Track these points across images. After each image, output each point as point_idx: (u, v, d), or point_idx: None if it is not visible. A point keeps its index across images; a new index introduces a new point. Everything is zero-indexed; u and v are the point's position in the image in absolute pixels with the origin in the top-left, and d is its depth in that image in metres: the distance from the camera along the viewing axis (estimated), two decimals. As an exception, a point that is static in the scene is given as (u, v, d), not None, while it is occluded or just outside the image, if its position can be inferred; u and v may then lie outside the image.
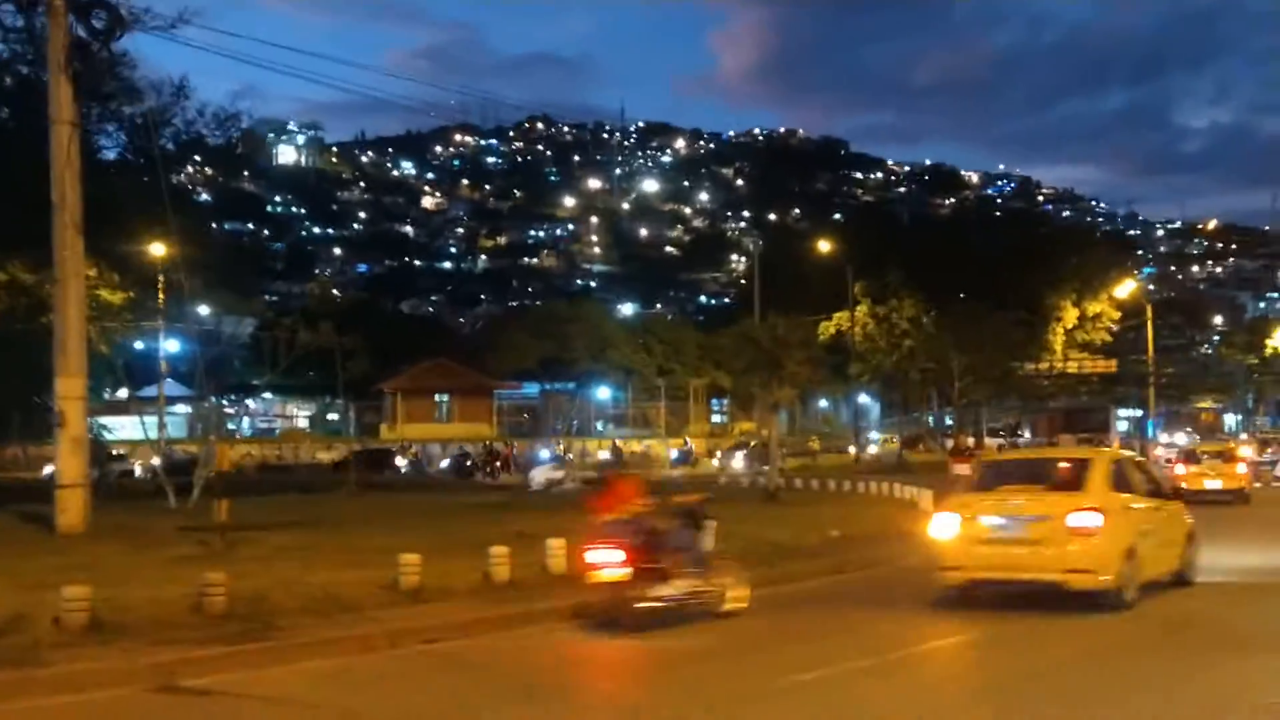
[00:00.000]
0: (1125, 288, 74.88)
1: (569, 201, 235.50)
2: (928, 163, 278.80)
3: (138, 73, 26.70)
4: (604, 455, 53.25)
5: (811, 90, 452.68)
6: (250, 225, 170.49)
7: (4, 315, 27.91)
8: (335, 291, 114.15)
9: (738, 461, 54.58)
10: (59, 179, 19.55)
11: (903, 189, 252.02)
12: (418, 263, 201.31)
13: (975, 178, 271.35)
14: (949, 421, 75.62)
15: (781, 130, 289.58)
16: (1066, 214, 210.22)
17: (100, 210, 21.84)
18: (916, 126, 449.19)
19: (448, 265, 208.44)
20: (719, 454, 61.28)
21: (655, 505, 12.75)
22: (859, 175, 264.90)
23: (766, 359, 34.09)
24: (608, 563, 11.90)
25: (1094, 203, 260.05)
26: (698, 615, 12.52)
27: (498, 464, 54.02)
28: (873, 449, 70.80)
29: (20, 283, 27.16)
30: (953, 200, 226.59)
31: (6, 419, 41.20)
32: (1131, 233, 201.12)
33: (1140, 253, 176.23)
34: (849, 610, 13.75)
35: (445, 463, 58.29)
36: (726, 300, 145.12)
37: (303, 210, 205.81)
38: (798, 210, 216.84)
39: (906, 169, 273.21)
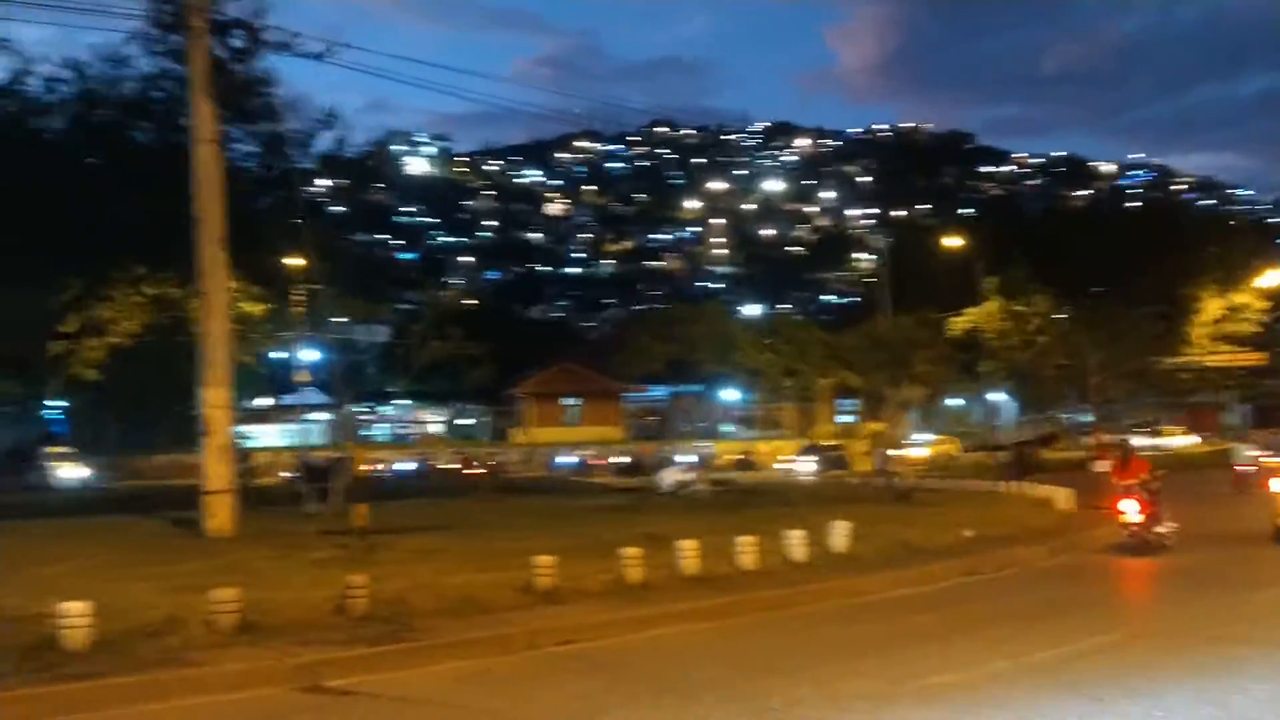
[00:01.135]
0: (1272, 277, 72.12)
1: (693, 204, 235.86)
2: (1058, 154, 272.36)
3: (275, 89, 27.51)
4: (682, 459, 51.40)
5: (935, 84, 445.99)
6: (382, 235, 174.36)
7: (152, 328, 28.99)
8: (465, 298, 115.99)
9: (805, 465, 52.24)
10: (201, 195, 20.25)
11: (1032, 182, 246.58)
12: (545, 269, 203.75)
13: (1108, 168, 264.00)
14: (1087, 418, 73.73)
15: (906, 125, 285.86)
16: (1206, 203, 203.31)
17: (240, 224, 22.55)
18: (1045, 117, 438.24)
19: (574, 270, 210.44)
20: (784, 458, 58.31)
21: (1149, 477, 19.91)
22: (986, 169, 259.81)
23: (895, 358, 33.66)
24: (1130, 510, 19.34)
25: (1235, 190, 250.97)
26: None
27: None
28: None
29: (167, 297, 28.17)
30: (1085, 192, 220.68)
31: (156, 428, 42.90)
32: (1277, 220, 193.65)
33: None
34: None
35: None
36: (853, 299, 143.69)
37: (432, 220, 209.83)
38: (924, 206, 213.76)
39: (1035, 161, 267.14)
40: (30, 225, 27.50)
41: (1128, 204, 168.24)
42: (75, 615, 10.52)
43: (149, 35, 21.05)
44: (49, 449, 48.94)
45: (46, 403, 50.30)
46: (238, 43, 19.84)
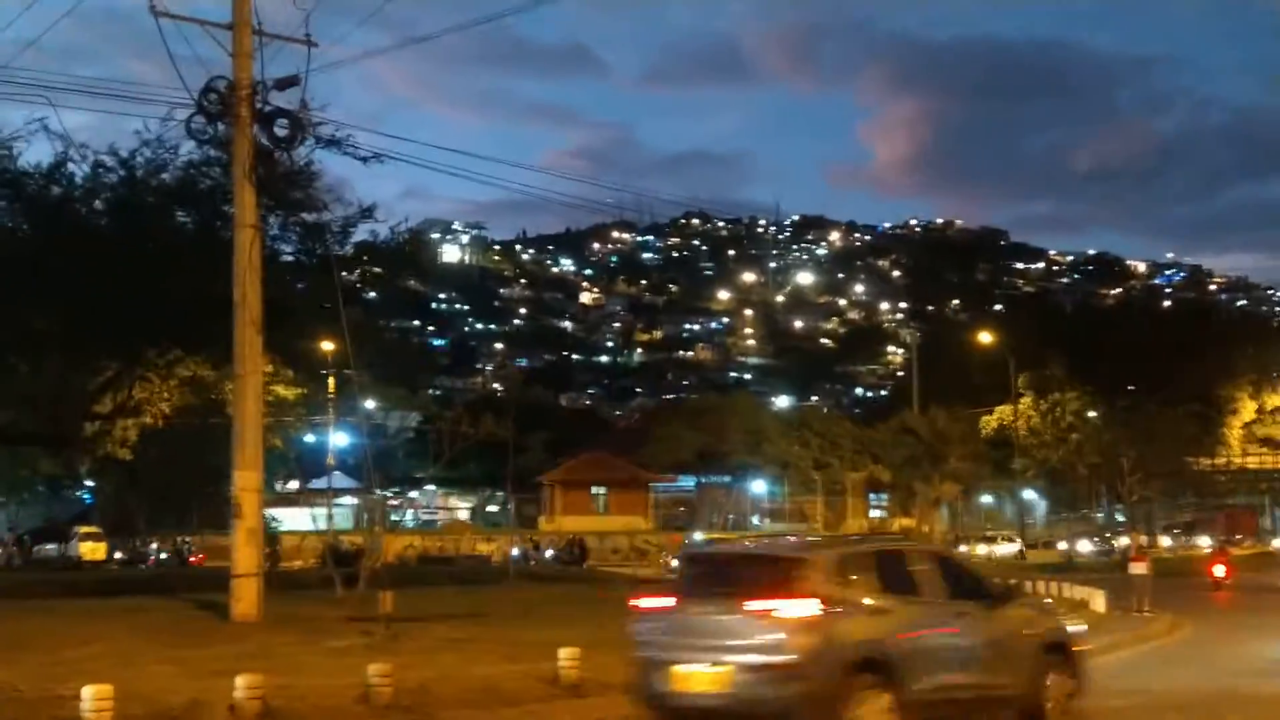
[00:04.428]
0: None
1: (724, 295, 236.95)
2: (1091, 252, 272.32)
3: (316, 177, 27.96)
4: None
5: (968, 180, 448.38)
6: (416, 322, 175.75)
7: (185, 410, 29.19)
8: (496, 386, 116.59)
9: None
10: (241, 280, 20.49)
11: (1065, 279, 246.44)
12: (576, 357, 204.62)
13: (1142, 267, 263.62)
14: (1119, 518, 72.83)
15: (938, 221, 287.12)
16: (1241, 303, 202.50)
17: (276, 309, 22.76)
18: (1078, 215, 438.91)
19: (605, 359, 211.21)
20: None
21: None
22: (1020, 265, 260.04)
23: (927, 453, 33.56)
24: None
25: (1270, 291, 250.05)
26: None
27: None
28: (1061, 545, 67.39)
29: (201, 379, 28.40)
30: (1118, 290, 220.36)
31: (187, 509, 43.09)
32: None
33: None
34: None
35: (549, 553, 57.75)
36: (883, 393, 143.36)
37: (466, 306, 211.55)
38: (956, 301, 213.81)
39: (1069, 258, 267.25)
40: (71, 306, 27.88)
41: (1162, 302, 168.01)
42: (97, 699, 10.47)
43: (193, 123, 21.47)
44: (80, 528, 49.31)
45: (84, 482, 50.68)
46: (282, 132, 20.14)
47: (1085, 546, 61.80)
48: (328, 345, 34.55)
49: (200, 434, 28.94)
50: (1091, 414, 67.65)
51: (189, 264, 25.74)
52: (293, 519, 53.41)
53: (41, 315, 26.87)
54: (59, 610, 21.61)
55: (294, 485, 50.79)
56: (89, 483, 52.13)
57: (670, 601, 10.73)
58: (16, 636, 16.59)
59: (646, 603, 10.92)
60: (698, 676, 9.93)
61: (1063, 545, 63.23)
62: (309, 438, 46.84)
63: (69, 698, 10.75)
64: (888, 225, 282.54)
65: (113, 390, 29.25)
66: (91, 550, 47.31)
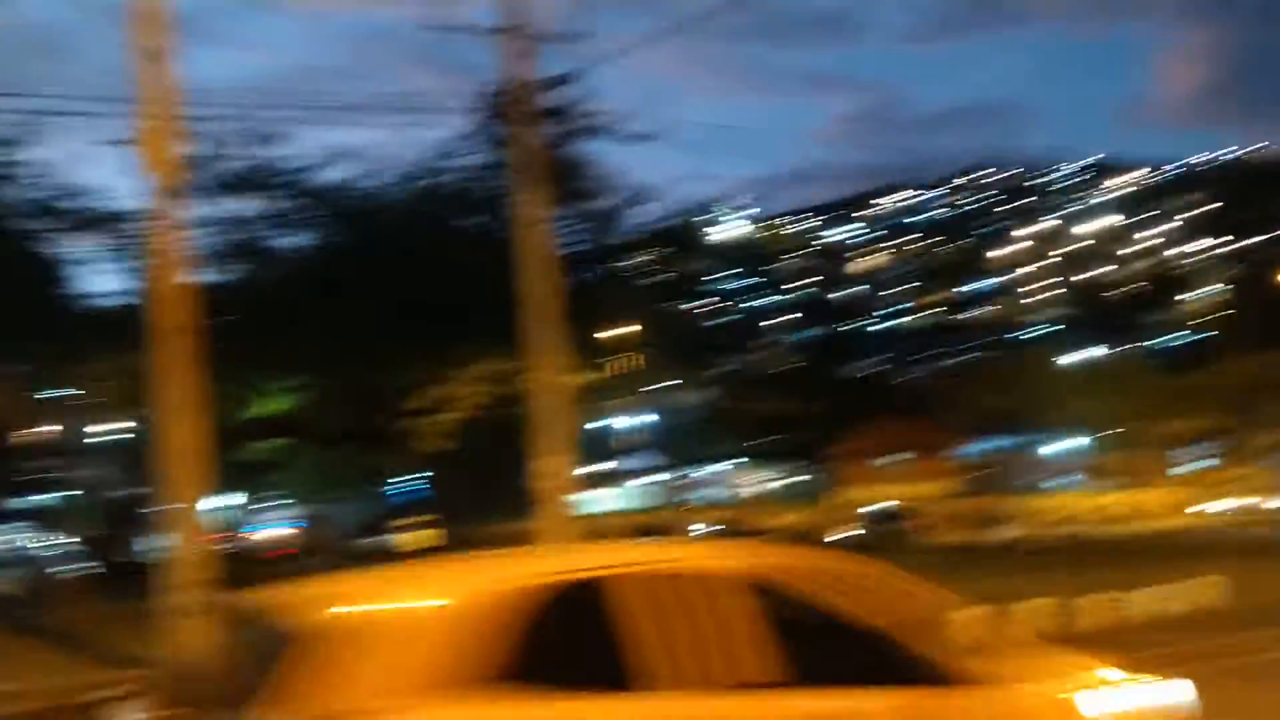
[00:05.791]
0: None
1: (1010, 249, 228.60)
2: None
3: (593, 169, 28.69)
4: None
5: (1270, 104, 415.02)
6: (697, 301, 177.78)
7: (489, 403, 30.57)
8: (780, 359, 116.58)
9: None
10: (530, 276, 21.24)
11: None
12: (858, 324, 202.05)
13: None
14: None
15: (1238, 152, 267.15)
16: None
17: (565, 299, 23.48)
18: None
19: (890, 324, 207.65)
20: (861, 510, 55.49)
21: None
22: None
23: (1248, 399, 31.34)
24: None
25: None
26: None
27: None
28: None
29: (502, 372, 29.65)
30: None
31: (493, 500, 45.05)
32: None
33: None
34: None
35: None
36: (1194, 338, 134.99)
37: (746, 281, 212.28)
38: (1271, 234, 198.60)
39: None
40: (376, 312, 29.62)
41: None
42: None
43: (473, 130, 22.45)
44: (394, 521, 53.16)
45: (400, 476, 53.97)
46: (559, 129, 20.77)
47: None
48: (616, 330, 35.41)
49: (507, 424, 30.25)
50: None
51: (479, 263, 26.87)
52: (598, 501, 55.17)
53: (360, 320, 28.69)
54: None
55: (595, 468, 52.47)
56: (411, 476, 55.42)
57: None
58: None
59: None
60: None
61: None
62: (606, 421, 48.18)
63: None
64: (1186, 161, 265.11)
65: (422, 388, 30.93)
66: (415, 540, 50.60)
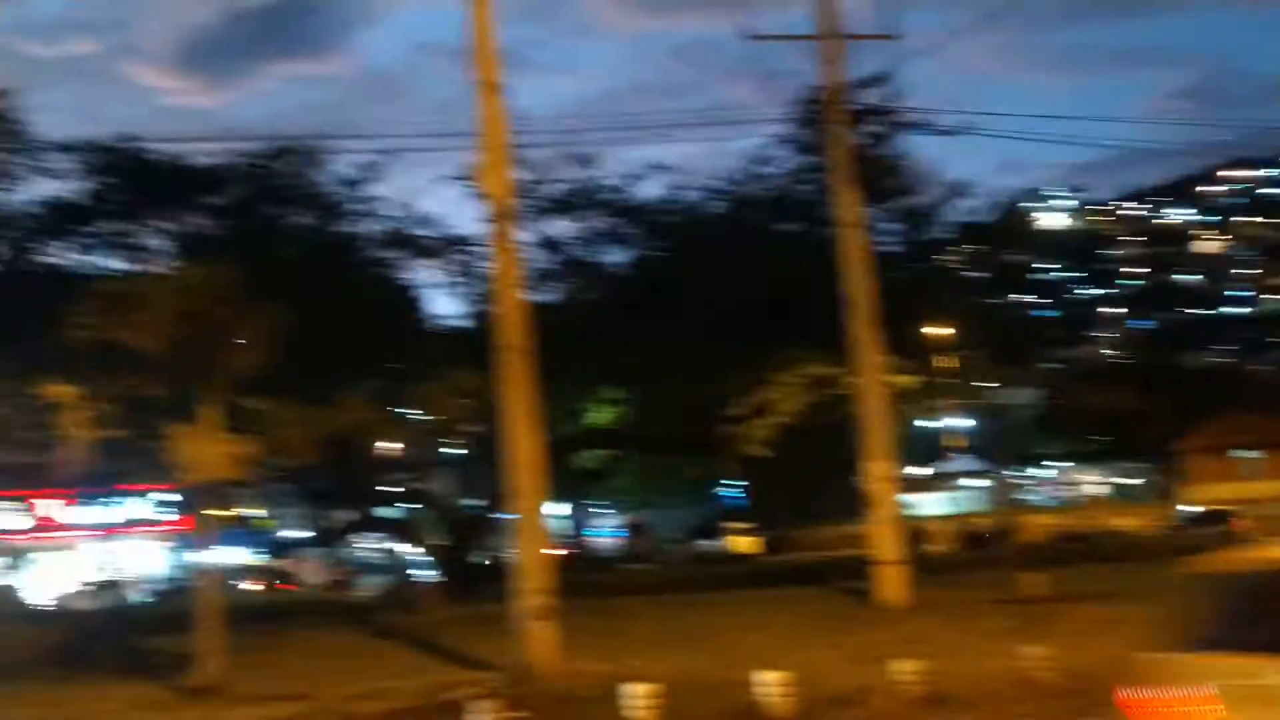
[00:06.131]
0: None
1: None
2: None
3: (909, 166, 28.22)
4: None
5: None
6: (1023, 295, 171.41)
7: (812, 407, 30.51)
8: (1113, 352, 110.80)
9: None
10: (850, 278, 21.12)
11: None
12: (1199, 312, 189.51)
13: None
14: None
15: None
16: None
17: (886, 300, 23.21)
18: None
19: (1235, 310, 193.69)
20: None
21: None
22: None
23: None
24: None
25: None
26: None
27: None
28: None
29: (824, 377, 29.55)
30: None
31: (819, 501, 45.00)
32: None
33: None
34: None
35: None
36: None
37: (1074, 273, 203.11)
38: None
39: None
40: (698, 321, 30.18)
41: None
42: (773, 684, 11.19)
43: (787, 136, 22.58)
44: (725, 524, 53.68)
45: (723, 481, 54.71)
46: (874, 128, 20.61)
47: None
48: (941, 329, 34.63)
49: (828, 428, 30.13)
50: None
51: (797, 267, 26.93)
52: (928, 504, 54.14)
53: (680, 331, 29.32)
54: (719, 602, 23.33)
55: (922, 471, 51.50)
56: (736, 482, 56.06)
57: None
58: (687, 628, 18.19)
59: None
60: None
61: None
62: (934, 423, 47.19)
63: (744, 683, 11.57)
64: None
65: (742, 394, 31.22)
66: (742, 544, 51.20)
